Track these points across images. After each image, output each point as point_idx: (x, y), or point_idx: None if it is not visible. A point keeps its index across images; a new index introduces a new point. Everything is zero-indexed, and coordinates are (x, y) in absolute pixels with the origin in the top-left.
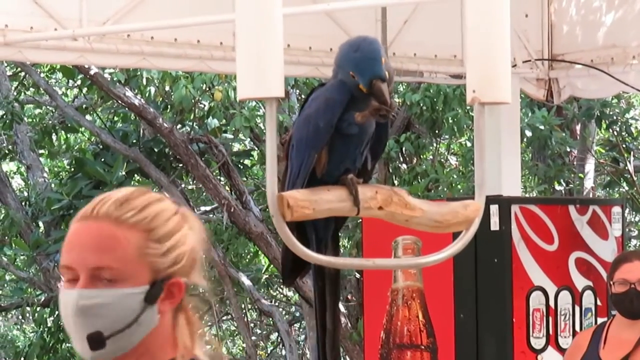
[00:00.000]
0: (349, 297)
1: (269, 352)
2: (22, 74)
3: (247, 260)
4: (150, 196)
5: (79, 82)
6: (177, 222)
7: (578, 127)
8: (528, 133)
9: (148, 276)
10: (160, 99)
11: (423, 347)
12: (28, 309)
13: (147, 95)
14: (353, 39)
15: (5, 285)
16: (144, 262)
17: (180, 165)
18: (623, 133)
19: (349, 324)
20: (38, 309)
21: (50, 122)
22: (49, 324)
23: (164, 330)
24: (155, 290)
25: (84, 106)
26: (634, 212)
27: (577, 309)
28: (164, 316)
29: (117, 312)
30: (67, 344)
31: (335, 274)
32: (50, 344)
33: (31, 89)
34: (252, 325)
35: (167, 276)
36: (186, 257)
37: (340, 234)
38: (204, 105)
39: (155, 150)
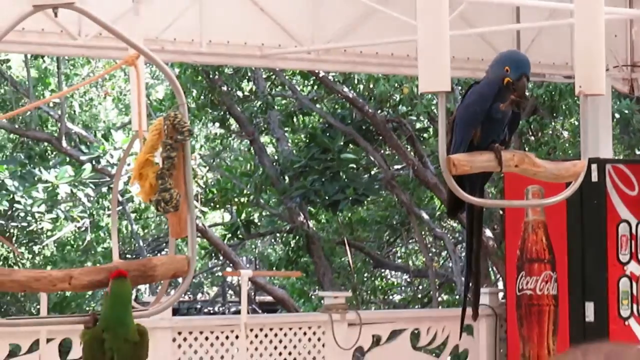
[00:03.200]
0: (495, 227)
1: (440, 264)
2: (273, 76)
3: (426, 202)
4: None
5: (311, 81)
6: None
7: None
8: (617, 115)
9: None
10: (367, 92)
11: (546, 260)
12: (277, 234)
13: (357, 90)
14: (512, 50)
15: (263, 218)
16: None
17: (380, 137)
18: None
19: (495, 245)
20: (285, 234)
21: (292, 109)
22: (292, 245)
23: None
24: None
25: (314, 98)
26: None
27: None
28: None
29: None
30: (304, 258)
31: (480, 211)
32: (293, 258)
33: (279, 87)
34: (429, 245)
35: None
36: None
37: (487, 184)
38: (396, 97)
39: (363, 127)
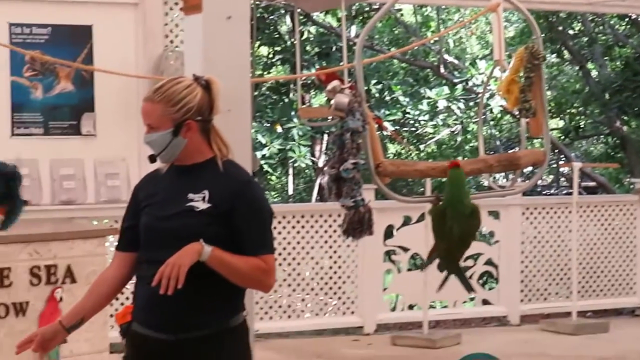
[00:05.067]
0: None
1: None
2: (597, 18)
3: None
4: (172, 81)
5: (626, 21)
6: (187, 91)
7: None
8: None
9: (171, 124)
10: None
11: None
12: (599, 136)
13: None
14: None
15: (588, 124)
16: (167, 118)
17: None
18: None
19: None
20: (605, 136)
21: (610, 42)
22: (610, 144)
23: (194, 144)
24: (176, 130)
25: (628, 34)
26: None
27: None
28: (191, 138)
29: (159, 143)
30: (619, 154)
31: None
32: (611, 154)
33: (601, 26)
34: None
35: (182, 121)
36: (195, 109)
37: None
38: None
39: None
